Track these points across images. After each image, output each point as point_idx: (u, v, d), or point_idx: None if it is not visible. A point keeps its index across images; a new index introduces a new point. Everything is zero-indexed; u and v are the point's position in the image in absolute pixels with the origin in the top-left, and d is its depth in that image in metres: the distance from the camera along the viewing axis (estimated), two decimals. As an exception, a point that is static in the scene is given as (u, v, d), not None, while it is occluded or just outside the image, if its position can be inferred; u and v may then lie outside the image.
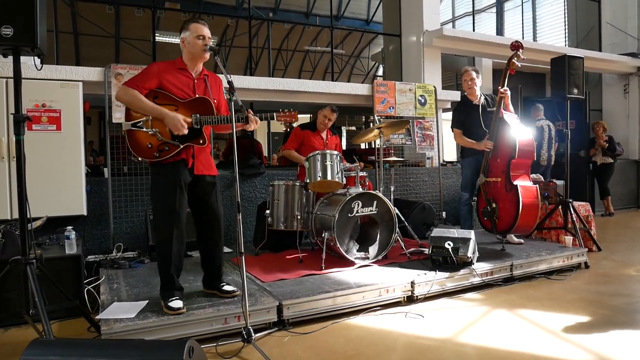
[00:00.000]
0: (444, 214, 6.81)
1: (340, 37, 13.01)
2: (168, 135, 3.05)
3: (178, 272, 3.17)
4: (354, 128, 10.50)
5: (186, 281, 3.62)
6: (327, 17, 8.28)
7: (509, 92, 4.79)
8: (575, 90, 5.32)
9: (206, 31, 3.14)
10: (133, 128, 3.03)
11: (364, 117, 9.44)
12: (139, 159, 3.09)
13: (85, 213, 4.52)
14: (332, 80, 7.74)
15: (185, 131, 3.02)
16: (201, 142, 3.13)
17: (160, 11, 8.02)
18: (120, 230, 4.94)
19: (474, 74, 5.02)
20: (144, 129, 3.03)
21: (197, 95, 3.17)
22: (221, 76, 3.35)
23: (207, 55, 3.16)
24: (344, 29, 12.78)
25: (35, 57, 2.72)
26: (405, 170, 6.75)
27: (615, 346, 2.82)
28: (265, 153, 9.52)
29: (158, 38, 7.92)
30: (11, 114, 2.63)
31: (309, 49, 14.23)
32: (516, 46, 4.78)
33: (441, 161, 7.15)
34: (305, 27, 13.21)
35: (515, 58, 4.76)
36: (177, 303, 2.99)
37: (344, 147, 9.74)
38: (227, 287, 3.32)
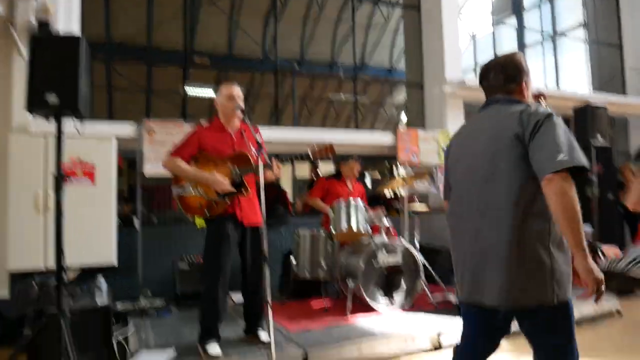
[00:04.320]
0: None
1: (364, 84, 13.29)
2: (214, 193, 3.28)
3: (220, 320, 3.32)
4: (378, 176, 10.56)
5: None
6: (351, 67, 8.51)
7: None
8: (600, 138, 5.30)
9: (236, 90, 3.38)
10: (182, 194, 3.31)
11: (387, 162, 9.50)
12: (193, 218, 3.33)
13: (115, 263, 4.64)
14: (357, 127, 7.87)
15: (229, 187, 3.24)
16: (244, 192, 3.29)
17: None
18: (148, 279, 5.03)
19: None
20: (193, 192, 3.29)
21: (235, 150, 3.36)
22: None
23: (239, 113, 3.37)
24: (366, 78, 13.11)
25: (76, 120, 2.89)
26: (430, 216, 6.71)
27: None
28: (290, 199, 9.60)
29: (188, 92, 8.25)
30: (52, 174, 2.77)
31: (333, 99, 14.56)
32: (538, 96, 4.83)
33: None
34: (329, 76, 13.56)
35: (538, 107, 4.80)
36: (215, 349, 3.17)
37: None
38: (262, 334, 3.41)
